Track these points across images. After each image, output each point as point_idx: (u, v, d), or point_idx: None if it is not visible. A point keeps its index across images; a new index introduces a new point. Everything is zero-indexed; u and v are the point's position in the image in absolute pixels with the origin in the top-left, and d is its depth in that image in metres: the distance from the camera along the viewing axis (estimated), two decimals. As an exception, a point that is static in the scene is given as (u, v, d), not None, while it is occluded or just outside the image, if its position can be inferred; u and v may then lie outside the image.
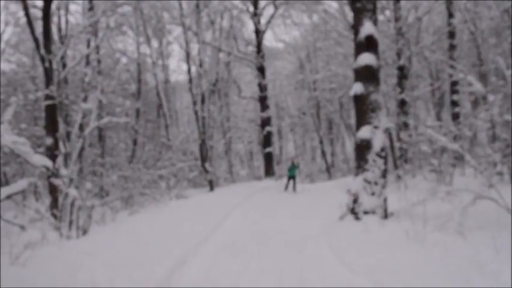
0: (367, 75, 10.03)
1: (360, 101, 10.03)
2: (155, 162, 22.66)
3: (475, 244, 6.06)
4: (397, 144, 17.94)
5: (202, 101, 23.95)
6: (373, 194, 9.47)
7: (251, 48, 25.22)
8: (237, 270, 6.58)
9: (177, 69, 45.16)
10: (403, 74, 18.11)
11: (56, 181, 9.77)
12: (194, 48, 26.53)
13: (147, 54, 28.96)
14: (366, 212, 9.33)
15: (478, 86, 9.51)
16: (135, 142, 26.12)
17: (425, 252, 6.10)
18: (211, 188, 22.73)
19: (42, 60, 13.05)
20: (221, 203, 15.45)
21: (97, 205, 12.44)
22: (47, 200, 11.84)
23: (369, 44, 10.17)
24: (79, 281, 5.41)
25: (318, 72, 28.68)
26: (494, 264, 5.18)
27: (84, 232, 10.23)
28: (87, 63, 21.73)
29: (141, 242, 8.08)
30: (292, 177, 19.45)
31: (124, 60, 28.86)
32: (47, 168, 9.52)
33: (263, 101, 23.84)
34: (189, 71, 25.08)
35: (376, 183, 9.52)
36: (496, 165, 10.38)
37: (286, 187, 19.51)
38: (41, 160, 7.77)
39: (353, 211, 9.59)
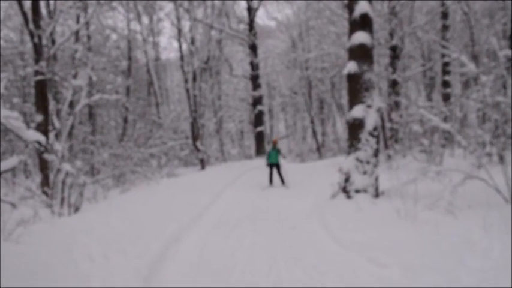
0: (361, 54, 10.01)
1: (353, 80, 10.02)
2: (146, 141, 22.56)
3: (465, 222, 6.17)
4: (388, 124, 18.02)
5: (194, 79, 23.74)
6: (364, 172, 9.55)
7: (243, 26, 24.95)
8: (230, 247, 6.66)
9: (168, 47, 44.83)
10: (395, 54, 18.08)
11: (49, 156, 9.71)
12: (186, 25, 26.21)
13: (137, 31, 28.57)
14: (357, 191, 9.42)
15: (471, 67, 9.51)
16: (125, 120, 25.95)
17: (416, 230, 6.20)
18: (203, 167, 22.74)
19: (31, 35, 12.82)
20: (213, 181, 15.49)
21: (88, 183, 12.40)
22: (38, 177, 11.80)
23: (363, 23, 10.12)
24: (75, 256, 5.43)
25: (310, 51, 28.51)
26: (484, 242, 5.28)
27: (76, 209, 10.21)
28: (77, 39, 21.40)
29: (134, 219, 8.11)
30: (274, 164, 14.84)
31: (114, 36, 28.46)
32: (40, 144, 9.43)
33: (255, 80, 23.71)
34: (180, 48, 24.78)
35: (368, 162, 9.59)
36: (486, 146, 10.48)
37: (271, 179, 14.78)
38: (34, 135, 7.66)
39: (345, 190, 9.68)
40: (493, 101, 10.53)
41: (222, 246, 6.79)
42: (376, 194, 9.56)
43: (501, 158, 8.62)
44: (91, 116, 23.82)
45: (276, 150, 14.89)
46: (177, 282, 5.20)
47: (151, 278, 5.27)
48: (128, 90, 26.95)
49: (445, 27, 19.05)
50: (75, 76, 19.07)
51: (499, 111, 10.31)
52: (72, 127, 17.55)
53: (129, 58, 27.65)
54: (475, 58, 20.27)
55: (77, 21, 21.41)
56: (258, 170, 19.30)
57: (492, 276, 4.36)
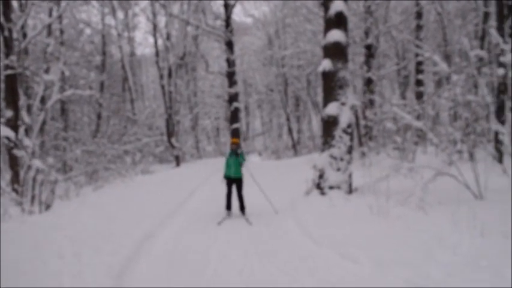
0: (336, 52, 10.08)
1: (328, 78, 10.08)
2: (120, 137, 22.27)
3: (436, 218, 6.29)
4: (362, 122, 18.23)
5: (169, 75, 23.60)
6: (338, 169, 9.63)
7: (220, 23, 24.79)
8: (204, 243, 6.64)
9: (144, 42, 44.28)
10: (370, 52, 18.28)
11: (18, 152, 9.47)
12: (161, 20, 25.99)
13: (112, 26, 28.16)
14: (331, 187, 9.50)
15: (443, 66, 9.72)
16: (99, 116, 25.56)
17: (388, 226, 6.29)
18: (178, 164, 22.61)
19: (1, 29, 12.47)
20: (188, 178, 15.41)
21: (60, 180, 12.17)
22: (7, 175, 11.50)
23: (338, 21, 10.19)
24: (45, 254, 5.33)
25: (287, 49, 28.57)
26: (453, 237, 5.40)
27: (47, 207, 10.02)
28: (49, 33, 20.93)
29: (107, 217, 8.00)
30: (234, 180, 9.31)
31: (88, 31, 27.98)
32: (9, 140, 9.21)
33: (231, 77, 23.62)
34: (155, 44, 24.60)
35: (341, 159, 9.68)
36: (457, 144, 10.71)
37: (229, 204, 9.20)
38: (3, 130, 7.48)
39: (319, 186, 9.75)
40: (464, 99, 10.78)
41: (196, 242, 6.76)
42: (350, 191, 9.66)
43: (471, 155, 8.83)
44: (63, 111, 23.36)
45: (237, 156, 9.29)
46: (150, 278, 5.15)
47: (123, 275, 5.20)
48: (101, 85, 26.54)
49: (419, 27, 19.34)
50: (47, 71, 18.66)
51: (469, 110, 10.56)
52: (43, 123, 17.19)
53: (104, 53, 27.23)
54: (447, 58, 20.68)
55: (50, 15, 20.94)
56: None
57: (460, 270, 4.45)
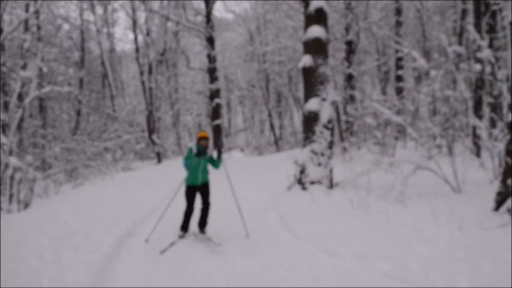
0: (316, 47, 10.12)
1: (308, 74, 10.12)
2: (100, 134, 21.99)
3: (415, 212, 6.37)
4: (343, 117, 18.35)
5: (150, 71, 23.38)
6: (319, 164, 9.68)
7: (200, 18, 24.61)
8: (186, 240, 6.60)
9: (123, 38, 43.67)
10: (351, 48, 18.39)
11: (-6, 151, 9.30)
12: (141, 16, 25.72)
13: (91, 21, 27.72)
14: (312, 182, 9.55)
15: (421, 62, 9.82)
16: (78, 113, 25.19)
17: (368, 220, 6.35)
18: (159, 161, 22.45)
19: (-24, 23, 12.19)
20: (169, 175, 15.30)
21: (39, 178, 12.00)
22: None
23: (318, 17, 10.23)
24: (23, 253, 5.25)
25: (268, 45, 28.58)
26: (432, 230, 5.47)
27: (26, 206, 9.88)
28: (26, 28, 20.51)
29: (87, 215, 7.91)
30: (198, 187, 6.92)
31: (66, 27, 27.48)
32: (-16, 138, 9.02)
33: (212, 73, 23.50)
34: (135, 39, 24.28)
35: (322, 154, 9.73)
36: (436, 138, 10.87)
37: (186, 224, 6.89)
38: (-23, 129, 7.34)
39: (300, 181, 9.78)
40: (443, 95, 10.92)
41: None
42: (331, 185, 9.72)
43: (450, 150, 8.97)
44: (42, 109, 22.94)
45: (206, 157, 6.86)
46: (130, 276, 5.10)
47: (103, 274, 5.15)
48: (81, 82, 26.14)
49: (398, 24, 19.54)
50: (24, 67, 18.30)
51: (448, 105, 10.71)
52: (21, 120, 16.85)
53: (82, 49, 26.82)
54: (426, 54, 20.96)
55: (26, 10, 20.52)
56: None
57: (439, 262, 4.52)
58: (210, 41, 23.44)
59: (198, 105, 33.89)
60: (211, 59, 23.46)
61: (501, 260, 4.36)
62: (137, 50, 24.04)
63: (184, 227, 6.87)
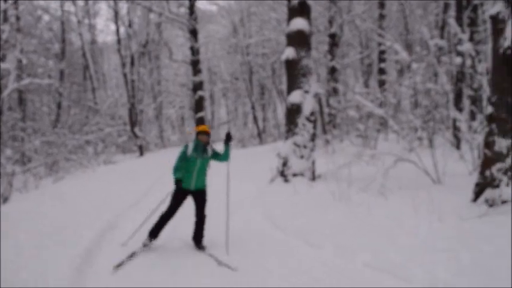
0: (299, 40, 10.10)
1: (291, 66, 10.11)
2: (81, 127, 21.73)
3: (396, 203, 6.43)
4: (326, 110, 18.41)
5: (132, 64, 23.16)
6: (302, 157, 9.70)
7: (183, 10, 24.38)
8: (168, 233, 6.55)
9: (105, 29, 42.93)
10: (334, 41, 18.42)
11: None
12: (123, 7, 25.35)
13: (72, 12, 27.27)
14: (295, 175, 9.56)
15: (403, 55, 9.89)
16: (59, 106, 24.81)
17: (350, 211, 6.38)
18: (141, 153, 22.29)
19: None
20: (151, 168, 15.20)
21: (18, 172, 11.80)
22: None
23: (302, 9, 10.21)
24: (4, 248, 5.14)
25: (251, 37, 28.46)
26: (412, 221, 5.53)
27: (5, 200, 9.72)
28: (5, 19, 20.08)
29: (68, 208, 7.79)
30: (196, 192, 5.75)
31: (46, 18, 26.99)
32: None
33: (195, 65, 23.31)
34: (117, 31, 23.99)
35: (305, 147, 9.74)
36: (417, 131, 10.98)
37: (158, 229, 5.72)
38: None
39: (283, 174, 9.79)
40: (424, 87, 11.01)
41: (162, 233, 6.67)
42: (313, 178, 9.76)
43: (431, 142, 9.06)
44: (21, 101, 22.53)
45: (207, 155, 5.79)
46: (111, 269, 5.04)
47: (84, 268, 5.08)
48: (61, 74, 25.73)
49: (381, 17, 19.61)
50: (2, 59, 17.94)
51: (429, 98, 10.81)
52: (0, 113, 16.55)
53: (63, 41, 26.36)
54: (409, 47, 21.09)
55: (4, 0, 20.08)
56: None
57: (418, 253, 4.57)
58: (193, 33, 23.23)
59: (181, 97, 33.66)
60: (195, 51, 23.27)
61: (478, 250, 4.43)
62: (119, 41, 23.77)
63: (154, 232, 5.67)
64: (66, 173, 14.69)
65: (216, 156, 5.87)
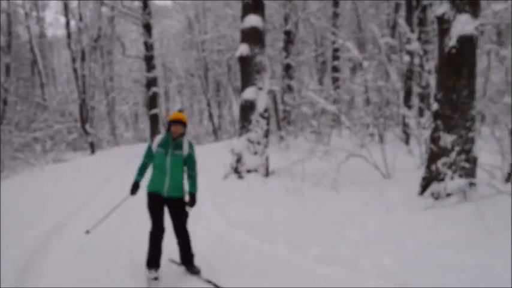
0: (253, 37, 10.10)
1: (245, 63, 10.10)
2: (29, 124, 20.90)
3: (347, 197, 6.54)
4: (281, 107, 18.53)
5: (83, 59, 22.49)
6: (255, 153, 9.71)
7: (137, 4, 23.89)
8: (118, 231, 6.40)
9: (55, 23, 41.42)
10: (289, 38, 18.54)
11: None
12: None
13: (18, 4, 26.13)
14: (248, 171, 9.57)
15: (354, 52, 10.08)
16: (5, 102, 23.71)
17: (303, 206, 6.45)
18: (93, 151, 21.70)
19: None
20: (103, 166, 14.84)
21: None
22: None
23: (256, 6, 10.21)
24: None
25: (207, 33, 28.24)
26: (363, 214, 5.65)
27: None
28: None
29: (13, 209, 7.47)
30: (172, 200, 4.49)
31: (-9, 9, 25.76)
32: None
33: (149, 61, 22.90)
34: (67, 25, 23.18)
35: (258, 143, 9.77)
36: (369, 127, 11.24)
37: (156, 256, 4.40)
38: None
39: (236, 170, 9.78)
40: (375, 85, 11.27)
41: (110, 231, 6.49)
42: (267, 174, 9.80)
43: (381, 138, 9.29)
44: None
45: (182, 151, 4.52)
46: (57, 269, 4.87)
47: (29, 269, 4.87)
48: (7, 69, 24.58)
49: (335, 15, 19.89)
50: None
51: (380, 95, 11.08)
52: None
53: (9, 33, 25.21)
54: (361, 45, 21.55)
55: None
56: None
57: (367, 245, 4.66)
58: (147, 27, 22.80)
59: (134, 94, 33.01)
60: (148, 46, 22.84)
61: (424, 240, 4.57)
62: (69, 35, 22.99)
63: (154, 260, 4.37)
64: (12, 173, 14.11)
65: (190, 164, 4.56)
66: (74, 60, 22.55)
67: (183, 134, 4.49)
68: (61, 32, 40.74)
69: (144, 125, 34.55)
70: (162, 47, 33.79)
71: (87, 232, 4.93)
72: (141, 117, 36.09)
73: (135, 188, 4.65)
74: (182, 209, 4.51)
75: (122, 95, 31.89)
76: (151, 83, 22.76)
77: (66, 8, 22.92)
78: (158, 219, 4.43)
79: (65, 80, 35.15)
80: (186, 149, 4.48)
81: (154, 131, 22.31)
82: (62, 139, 21.26)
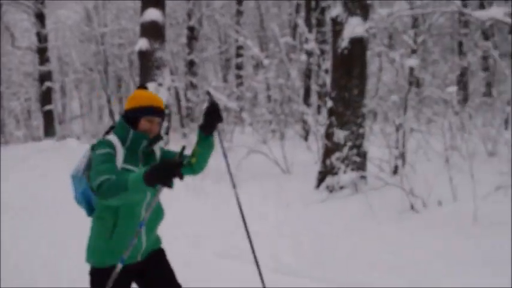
0: (153, 31, 9.86)
1: (144, 57, 9.85)
2: None
3: (247, 192, 6.59)
4: (184, 104, 18.34)
5: (-36, 48, 20.43)
6: (156, 150, 9.51)
7: (28, -8, 22.26)
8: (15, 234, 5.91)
9: None
10: (193, 35, 18.38)
11: None
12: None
13: None
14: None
15: (255, 50, 10.27)
16: None
17: (203, 203, 6.44)
18: (-23, 150, 19.84)
19: None
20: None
21: None
22: None
23: (156, 0, 9.98)
24: None
25: (107, 26, 27.07)
26: (262, 208, 5.76)
27: None
28: None
29: None
30: (149, 259, 2.43)
31: None
32: None
33: (42, 53, 21.45)
34: None
35: (160, 140, 9.57)
36: (271, 124, 11.51)
37: None
38: None
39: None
40: (276, 83, 11.56)
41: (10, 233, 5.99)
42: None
43: (282, 134, 9.56)
44: None
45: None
46: None
47: None
48: None
49: (239, 13, 20.09)
50: None
51: (281, 93, 11.39)
52: None
53: None
54: (264, 44, 22.01)
55: None
56: (46, 152, 17.57)
57: (265, 238, 4.76)
58: (40, 17, 21.36)
59: (26, 88, 30.71)
60: (42, 37, 21.42)
61: (319, 233, 4.77)
62: None
63: None
64: None
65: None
66: (-47, 49, 20.44)
67: (159, 137, 2.46)
68: None
69: (38, 122, 32.27)
70: (57, 39, 31.87)
71: None
72: (34, 114, 33.66)
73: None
74: (166, 262, 2.62)
75: (12, 89, 29.50)
76: (45, 77, 21.35)
77: None
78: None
79: None
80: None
81: (49, 129, 20.98)
82: None
